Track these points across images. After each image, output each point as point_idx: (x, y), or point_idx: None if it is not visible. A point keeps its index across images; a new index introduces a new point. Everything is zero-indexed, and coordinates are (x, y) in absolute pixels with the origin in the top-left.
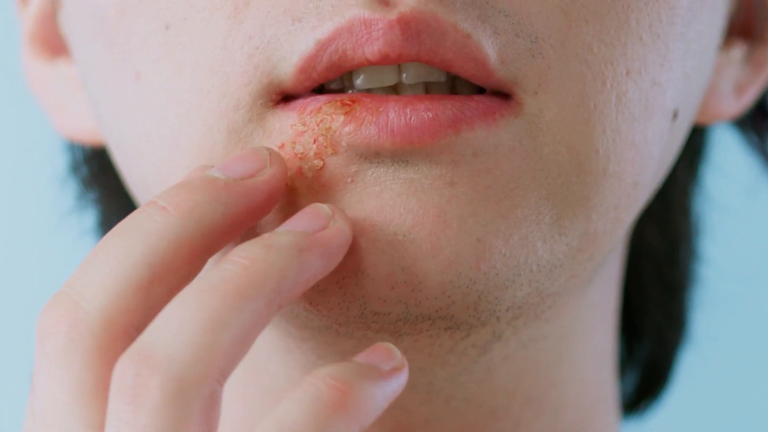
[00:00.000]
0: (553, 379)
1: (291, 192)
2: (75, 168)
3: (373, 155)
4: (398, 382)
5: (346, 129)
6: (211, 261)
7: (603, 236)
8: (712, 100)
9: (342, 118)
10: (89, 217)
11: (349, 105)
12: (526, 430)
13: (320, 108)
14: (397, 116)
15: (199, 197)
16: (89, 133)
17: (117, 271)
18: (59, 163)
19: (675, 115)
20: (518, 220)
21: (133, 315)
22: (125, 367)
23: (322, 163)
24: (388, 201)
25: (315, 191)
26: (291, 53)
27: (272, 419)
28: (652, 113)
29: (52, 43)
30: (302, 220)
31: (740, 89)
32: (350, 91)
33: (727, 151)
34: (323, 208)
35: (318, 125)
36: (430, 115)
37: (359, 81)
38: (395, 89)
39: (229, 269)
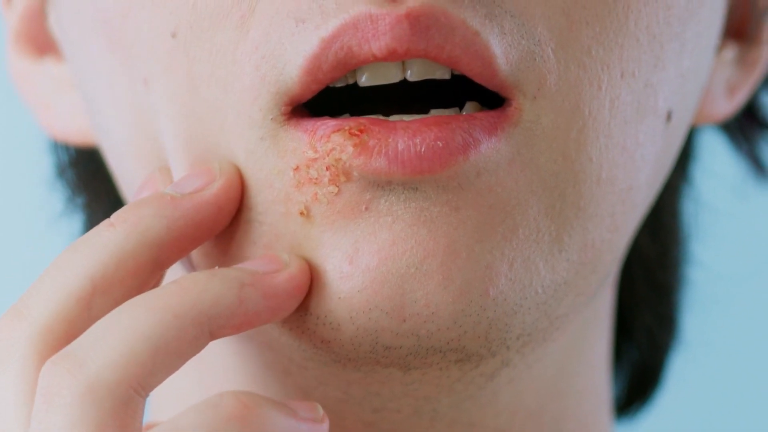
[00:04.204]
0: (553, 392)
1: (307, 220)
2: (62, 172)
3: (384, 183)
4: (310, 430)
5: (357, 161)
6: None
7: (602, 246)
8: (705, 101)
9: (351, 149)
10: (78, 222)
11: (358, 135)
12: None
13: (329, 136)
14: (407, 146)
15: (145, 212)
16: (78, 133)
17: (59, 282)
18: (47, 165)
19: (669, 117)
20: (520, 241)
21: (72, 324)
22: (46, 369)
23: (337, 189)
24: (399, 233)
25: (330, 219)
26: (296, 55)
27: (169, 421)
28: (643, 116)
29: (40, 41)
30: (256, 262)
31: (732, 90)
32: (357, 105)
33: (716, 153)
34: (281, 255)
35: (328, 155)
36: (441, 144)
37: (363, 79)
38: (401, 107)
39: (168, 287)
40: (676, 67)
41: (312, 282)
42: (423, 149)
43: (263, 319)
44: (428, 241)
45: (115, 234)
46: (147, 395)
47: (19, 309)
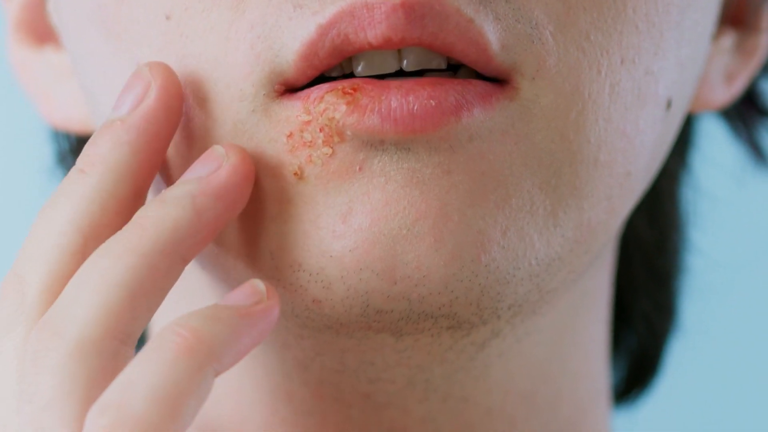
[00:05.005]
0: (546, 374)
1: (300, 180)
2: (62, 159)
3: (377, 143)
4: (262, 319)
5: (350, 119)
6: None
7: (597, 226)
8: (703, 89)
9: (344, 108)
10: None
11: (351, 94)
12: (521, 427)
13: (322, 97)
14: (400, 104)
15: (105, 147)
16: (78, 121)
17: (50, 241)
18: (47, 153)
19: (669, 105)
20: (513, 210)
21: None
22: (32, 335)
23: (331, 150)
24: (392, 194)
25: (324, 180)
26: (293, 40)
27: (119, 378)
28: (644, 102)
29: (40, 30)
30: (197, 167)
31: (730, 78)
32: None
33: (715, 140)
34: (217, 149)
35: (322, 115)
36: (433, 103)
37: (359, 68)
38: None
39: (126, 230)
40: (676, 56)
41: (304, 238)
42: (416, 107)
43: (223, 220)
44: (420, 202)
45: (89, 178)
46: (135, 343)
47: (19, 273)
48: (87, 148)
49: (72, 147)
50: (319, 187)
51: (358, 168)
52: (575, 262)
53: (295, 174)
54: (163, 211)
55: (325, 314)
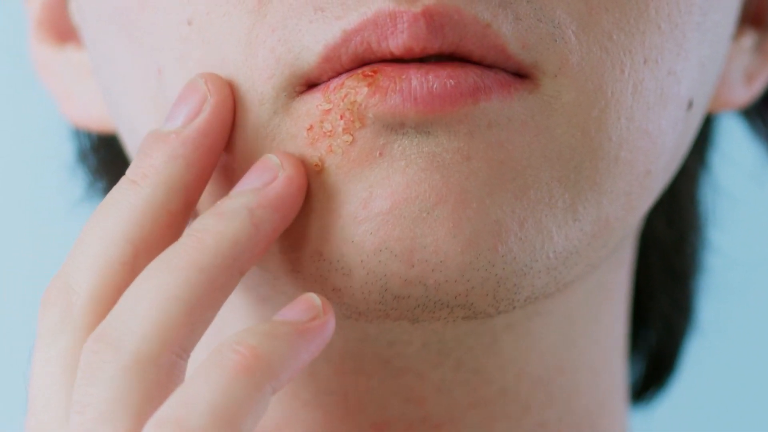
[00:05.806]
0: (562, 364)
1: (321, 172)
2: (83, 157)
3: (398, 125)
4: (319, 335)
5: (372, 100)
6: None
7: (615, 222)
8: (723, 88)
9: (366, 89)
10: None
11: (371, 76)
12: (537, 415)
13: (343, 83)
14: (420, 84)
15: (160, 159)
16: (98, 120)
17: (99, 249)
18: (68, 151)
19: (690, 105)
20: (531, 202)
21: (122, 291)
22: (87, 347)
23: (351, 138)
24: (413, 177)
25: (345, 169)
26: (314, 43)
27: (178, 393)
28: (666, 103)
29: (61, 28)
30: (251, 177)
31: (750, 78)
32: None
33: (735, 140)
34: (271, 158)
35: (343, 100)
36: (452, 83)
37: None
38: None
39: (183, 243)
40: (698, 56)
41: (325, 229)
42: (435, 86)
43: (278, 231)
44: (441, 186)
45: (142, 190)
46: (189, 356)
47: (67, 282)
48: (139, 159)
49: (93, 145)
50: (339, 177)
51: (378, 153)
52: (592, 255)
53: (316, 166)
54: (222, 225)
55: (344, 303)
